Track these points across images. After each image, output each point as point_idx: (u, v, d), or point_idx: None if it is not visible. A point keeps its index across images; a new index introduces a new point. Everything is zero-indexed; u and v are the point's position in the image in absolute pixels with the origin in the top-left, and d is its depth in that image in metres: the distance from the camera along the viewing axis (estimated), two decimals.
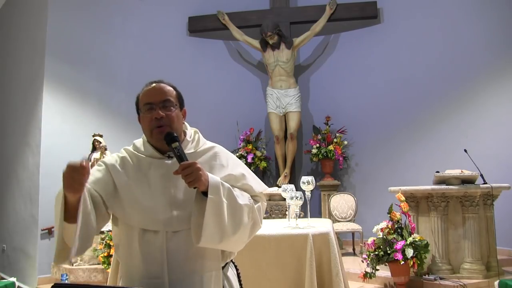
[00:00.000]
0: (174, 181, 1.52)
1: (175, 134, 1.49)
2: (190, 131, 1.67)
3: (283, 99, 6.92)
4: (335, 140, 6.97)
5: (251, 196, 1.61)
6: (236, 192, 1.54)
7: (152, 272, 1.48)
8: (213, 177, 1.47)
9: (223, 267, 1.59)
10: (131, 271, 1.53)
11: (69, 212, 1.37)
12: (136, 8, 6.81)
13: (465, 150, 4.88)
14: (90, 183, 1.51)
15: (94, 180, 1.54)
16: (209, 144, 1.67)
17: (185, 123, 1.67)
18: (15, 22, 6.84)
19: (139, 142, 1.64)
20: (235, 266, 1.71)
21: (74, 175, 1.30)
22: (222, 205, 1.45)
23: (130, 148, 1.64)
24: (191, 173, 1.40)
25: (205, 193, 1.45)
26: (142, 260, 1.49)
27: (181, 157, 1.46)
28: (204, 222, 1.41)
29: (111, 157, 1.64)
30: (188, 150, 1.59)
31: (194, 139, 1.64)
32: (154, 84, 1.61)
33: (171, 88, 1.61)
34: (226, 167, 1.60)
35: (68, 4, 6.19)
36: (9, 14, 7.06)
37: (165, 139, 1.49)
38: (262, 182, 1.71)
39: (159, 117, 1.53)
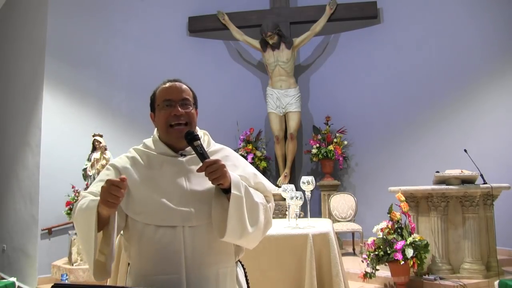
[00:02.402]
0: (188, 178, 1.55)
1: (195, 133, 1.52)
2: (200, 132, 1.67)
3: (283, 99, 6.92)
4: (335, 140, 6.97)
5: (264, 196, 1.65)
6: (252, 190, 1.58)
7: (168, 268, 1.48)
8: (234, 174, 1.51)
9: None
10: (143, 269, 1.52)
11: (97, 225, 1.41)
12: (136, 8, 6.81)
13: (465, 150, 4.88)
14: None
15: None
16: (218, 145, 1.70)
17: (204, 130, 1.72)
18: (15, 22, 6.85)
19: (149, 141, 1.65)
20: (242, 266, 1.73)
21: (112, 189, 1.33)
22: (242, 201, 1.49)
23: (140, 147, 1.65)
24: (216, 170, 1.43)
25: (224, 189, 1.49)
26: (158, 257, 1.49)
27: (203, 155, 1.48)
28: (229, 217, 1.45)
29: (119, 159, 1.64)
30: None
31: (205, 140, 1.67)
32: (173, 83, 1.63)
33: (188, 88, 1.64)
34: (238, 167, 1.64)
35: (68, 4, 6.19)
36: (9, 14, 7.06)
37: (186, 138, 1.51)
38: (270, 183, 1.75)
39: (179, 114, 1.55)
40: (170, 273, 1.48)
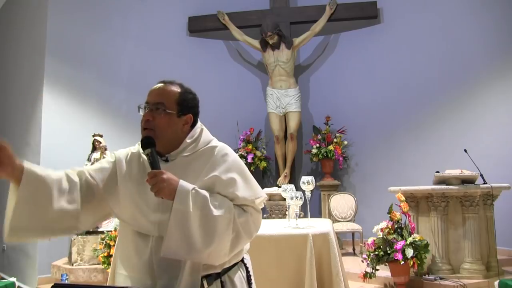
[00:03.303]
0: None
1: (151, 140, 1.47)
2: (194, 130, 1.60)
3: (283, 99, 6.92)
4: (335, 140, 6.97)
5: (241, 205, 1.52)
6: (216, 201, 1.46)
7: (137, 274, 1.47)
8: (184, 187, 1.42)
9: (227, 270, 1.55)
10: (125, 268, 1.53)
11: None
12: (136, 8, 6.81)
13: (465, 150, 4.88)
14: (92, 170, 1.55)
15: (99, 168, 1.57)
16: (212, 144, 1.61)
17: (202, 127, 1.63)
18: (15, 22, 6.84)
19: None
20: (246, 268, 1.64)
21: None
22: (188, 216, 1.39)
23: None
24: (155, 184, 1.38)
25: None
26: (131, 260, 1.49)
27: (152, 164, 1.44)
28: (167, 232, 1.38)
29: (123, 151, 1.64)
30: (185, 152, 1.56)
31: (195, 140, 1.58)
32: (157, 85, 1.59)
33: (174, 91, 1.56)
34: (215, 170, 1.52)
35: (68, 4, 6.19)
36: (9, 14, 7.06)
37: (142, 142, 1.48)
38: (258, 190, 1.60)
39: (145, 119, 1.53)
40: (139, 280, 1.46)
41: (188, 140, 1.57)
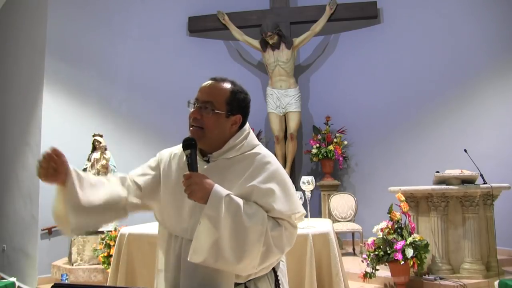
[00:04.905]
0: None
1: (192, 142, 1.42)
2: (241, 132, 1.54)
3: (283, 99, 6.92)
4: (335, 140, 6.97)
5: (276, 218, 1.43)
6: (250, 210, 1.38)
7: (169, 277, 1.47)
8: (218, 192, 1.36)
9: (253, 278, 1.50)
10: (158, 271, 1.54)
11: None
12: (136, 8, 6.81)
13: (465, 150, 4.88)
14: (135, 174, 1.59)
15: (141, 173, 1.59)
16: (256, 150, 1.54)
17: (249, 130, 1.58)
18: (15, 22, 6.84)
19: None
20: (276, 277, 1.57)
21: (44, 163, 1.36)
22: (219, 223, 1.33)
23: None
24: (188, 186, 1.35)
25: None
26: (164, 263, 1.50)
27: (190, 166, 1.40)
28: (195, 237, 1.34)
29: (167, 151, 1.63)
30: (228, 154, 1.50)
31: (240, 143, 1.52)
32: (209, 81, 1.54)
33: (224, 90, 1.52)
34: (254, 178, 1.45)
35: (68, 4, 6.19)
36: (9, 13, 7.06)
37: (183, 143, 1.44)
38: (297, 205, 1.50)
39: (192, 116, 1.48)
40: (170, 283, 1.47)
41: (232, 142, 1.51)
